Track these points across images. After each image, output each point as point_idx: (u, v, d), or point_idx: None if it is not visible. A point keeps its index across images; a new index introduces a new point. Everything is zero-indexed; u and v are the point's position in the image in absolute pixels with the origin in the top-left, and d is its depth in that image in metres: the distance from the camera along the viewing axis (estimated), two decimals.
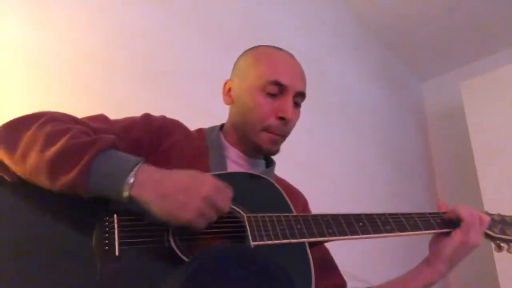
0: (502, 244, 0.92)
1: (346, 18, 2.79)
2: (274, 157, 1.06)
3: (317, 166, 2.15)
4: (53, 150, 0.65)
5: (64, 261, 0.61)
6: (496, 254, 2.28)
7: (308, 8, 2.47)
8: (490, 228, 0.91)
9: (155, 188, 0.66)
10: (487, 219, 0.89)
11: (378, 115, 2.86)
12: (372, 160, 2.62)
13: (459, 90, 2.80)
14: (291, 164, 1.98)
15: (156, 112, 1.47)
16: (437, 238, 0.89)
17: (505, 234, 0.92)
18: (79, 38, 1.35)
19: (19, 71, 1.19)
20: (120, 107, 1.39)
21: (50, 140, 0.67)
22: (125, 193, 0.64)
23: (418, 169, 3.11)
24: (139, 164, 0.67)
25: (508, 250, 0.92)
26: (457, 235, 0.85)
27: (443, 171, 3.17)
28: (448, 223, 0.89)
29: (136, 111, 1.41)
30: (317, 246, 0.94)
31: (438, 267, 0.86)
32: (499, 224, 0.94)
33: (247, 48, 1.05)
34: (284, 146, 1.96)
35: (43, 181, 0.66)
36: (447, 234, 0.87)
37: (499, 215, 0.97)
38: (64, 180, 0.64)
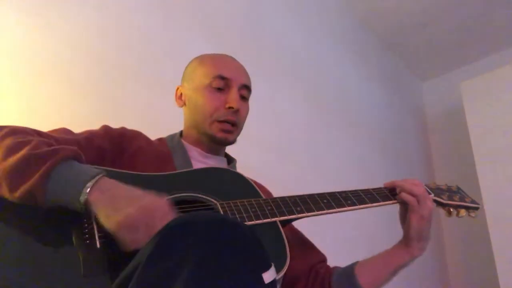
0: (451, 210, 1.00)
1: (347, 18, 2.79)
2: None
3: (317, 165, 2.15)
4: (13, 159, 0.65)
5: (46, 259, 0.62)
6: (497, 254, 2.29)
7: (308, 8, 2.47)
8: (439, 196, 0.99)
9: (108, 192, 0.65)
10: (429, 197, 0.95)
11: (378, 115, 2.86)
12: (372, 160, 2.62)
13: (459, 90, 2.81)
14: (290, 163, 1.98)
15: (154, 112, 1.47)
16: (403, 221, 0.96)
17: (453, 200, 1.01)
18: (79, 39, 1.35)
19: (18, 72, 1.19)
20: (120, 107, 1.39)
21: (10, 151, 0.67)
22: (82, 198, 0.63)
23: (418, 169, 3.11)
24: (100, 175, 0.66)
25: (457, 215, 1.00)
26: (412, 217, 0.91)
27: (443, 171, 3.18)
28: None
29: (136, 112, 1.41)
30: (289, 229, 1.00)
31: (416, 246, 0.92)
32: (446, 192, 1.03)
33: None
34: (284, 145, 1.96)
35: (4, 191, 0.65)
36: (406, 217, 0.93)
37: (446, 185, 1.07)
38: (23, 188, 0.63)
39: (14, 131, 0.73)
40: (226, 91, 0.98)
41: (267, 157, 1.82)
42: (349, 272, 0.94)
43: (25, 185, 0.63)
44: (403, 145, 3.03)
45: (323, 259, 1.03)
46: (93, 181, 0.65)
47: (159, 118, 1.42)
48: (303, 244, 1.04)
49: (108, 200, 0.64)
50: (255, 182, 1.03)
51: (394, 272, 0.93)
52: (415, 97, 3.43)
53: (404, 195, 0.93)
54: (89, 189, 0.64)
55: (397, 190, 0.95)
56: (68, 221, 0.67)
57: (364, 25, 2.91)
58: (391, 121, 2.98)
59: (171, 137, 1.06)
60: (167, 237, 0.52)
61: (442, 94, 3.36)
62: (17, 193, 0.64)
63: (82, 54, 1.35)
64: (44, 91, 1.23)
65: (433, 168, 3.25)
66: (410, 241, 0.92)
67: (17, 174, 0.64)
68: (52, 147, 0.68)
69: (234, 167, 1.07)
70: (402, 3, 2.72)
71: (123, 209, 0.62)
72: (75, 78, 1.31)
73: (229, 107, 0.96)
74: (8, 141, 0.69)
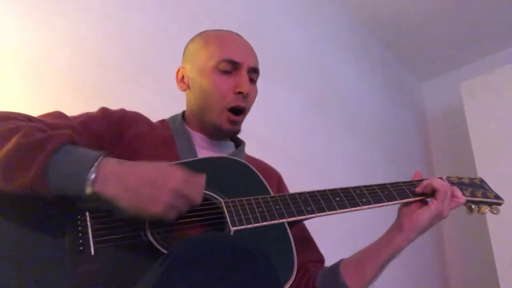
0: (473, 206, 0.93)
1: (346, 18, 2.78)
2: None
3: (317, 165, 2.15)
4: (5, 150, 0.61)
5: (38, 266, 0.59)
6: (497, 255, 2.29)
7: (308, 8, 2.47)
8: (461, 191, 0.92)
9: (119, 182, 0.62)
10: (462, 199, 0.90)
11: (378, 115, 2.86)
12: (372, 160, 2.62)
13: (459, 90, 2.80)
14: (290, 163, 1.98)
15: (156, 112, 1.47)
16: (411, 205, 0.88)
17: (475, 196, 0.93)
18: (78, 38, 1.35)
19: (18, 71, 1.19)
20: (120, 107, 1.39)
21: (0, 140, 0.63)
22: (88, 190, 0.61)
23: (418, 169, 3.08)
24: (100, 158, 0.63)
25: (478, 211, 0.94)
26: (434, 204, 0.85)
27: (443, 171, 3.17)
28: (421, 192, 0.90)
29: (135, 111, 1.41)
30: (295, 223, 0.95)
31: (409, 234, 0.85)
32: (469, 188, 0.96)
33: None
34: (284, 145, 1.96)
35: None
36: (421, 202, 0.88)
37: (468, 178, 1.00)
38: (21, 182, 0.60)
39: (4, 117, 0.69)
40: (234, 74, 0.92)
41: (266, 157, 1.81)
42: (333, 270, 0.89)
43: (22, 179, 0.60)
44: (403, 145, 3.03)
45: (319, 259, 0.99)
46: (94, 168, 0.61)
47: (159, 118, 1.42)
48: (303, 241, 0.99)
49: (129, 192, 0.62)
50: (264, 168, 0.99)
51: (382, 265, 0.86)
52: (415, 97, 3.43)
53: (440, 181, 0.87)
54: (93, 176, 0.61)
55: (427, 181, 0.89)
56: (63, 222, 0.64)
57: (364, 25, 2.91)
58: (391, 121, 2.98)
59: (174, 118, 1.01)
60: (174, 267, 0.50)
61: (442, 94, 3.36)
62: (14, 188, 0.61)
63: (83, 54, 1.35)
64: (44, 91, 1.23)
65: (433, 168, 3.25)
66: (410, 229, 0.85)
67: (10, 167, 0.61)
68: (45, 135, 0.64)
69: (243, 150, 1.02)
70: (402, 4, 2.71)
71: (154, 199, 0.63)
72: (75, 78, 1.31)
73: (239, 92, 0.90)
74: None
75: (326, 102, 2.39)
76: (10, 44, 1.19)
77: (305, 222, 1.02)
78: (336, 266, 0.89)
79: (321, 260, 0.99)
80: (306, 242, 1.00)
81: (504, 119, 2.52)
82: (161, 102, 1.49)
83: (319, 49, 2.47)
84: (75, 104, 1.28)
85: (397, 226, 0.88)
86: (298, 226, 0.99)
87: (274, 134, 1.94)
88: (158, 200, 0.63)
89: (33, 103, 1.19)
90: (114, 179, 0.62)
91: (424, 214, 0.85)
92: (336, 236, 1.98)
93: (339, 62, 2.62)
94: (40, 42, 1.26)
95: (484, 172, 2.47)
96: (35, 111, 1.17)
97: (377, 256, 0.86)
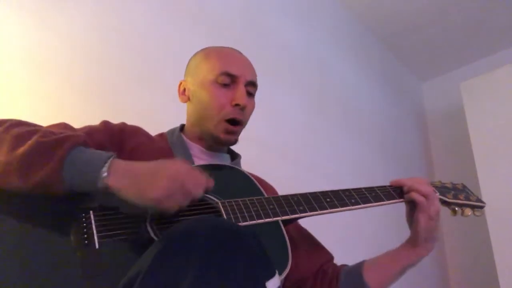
0: (456, 208, 1.00)
1: (346, 18, 2.79)
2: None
3: (317, 165, 2.15)
4: (24, 147, 0.65)
5: (44, 259, 0.61)
6: (497, 255, 2.29)
7: (308, 8, 2.47)
8: (444, 195, 0.99)
9: (126, 174, 0.67)
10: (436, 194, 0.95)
11: (378, 115, 2.86)
12: (372, 160, 2.62)
13: (459, 90, 2.81)
14: (290, 163, 1.98)
15: (155, 112, 1.47)
16: (410, 221, 0.95)
17: (458, 199, 1.00)
18: (79, 38, 1.36)
19: (19, 71, 1.19)
20: (120, 107, 1.39)
21: (19, 141, 0.67)
22: (100, 183, 0.65)
23: (418, 169, 3.11)
24: (113, 157, 0.69)
25: (462, 214, 1.00)
26: (420, 217, 0.91)
27: (443, 171, 3.17)
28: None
29: (136, 112, 1.41)
30: (296, 228, 1.00)
31: (423, 246, 0.92)
32: (452, 191, 1.02)
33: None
34: (284, 145, 1.96)
35: (14, 181, 0.64)
36: (413, 216, 0.93)
37: (451, 183, 1.07)
38: (38, 176, 0.63)
39: (19, 123, 0.74)
40: (232, 88, 0.96)
41: (267, 157, 1.82)
42: (357, 273, 0.93)
43: (40, 173, 0.63)
44: (403, 145, 3.03)
45: (330, 258, 1.02)
46: (107, 165, 0.66)
47: (160, 118, 1.42)
48: (309, 243, 1.02)
49: (132, 181, 0.66)
50: (258, 179, 1.02)
51: (402, 272, 0.93)
52: (415, 97, 3.43)
53: (414, 195, 0.91)
54: (105, 174, 0.65)
55: (405, 189, 0.94)
56: (67, 220, 0.66)
57: (364, 26, 2.91)
58: (391, 121, 2.98)
59: (172, 132, 1.04)
60: (169, 246, 0.52)
61: (442, 94, 3.36)
62: (31, 182, 0.63)
63: (82, 54, 1.35)
64: (44, 91, 1.23)
65: (433, 168, 3.25)
66: (418, 241, 0.91)
67: (29, 163, 0.64)
68: (63, 135, 0.69)
69: (239, 163, 1.05)
70: (402, 4, 2.71)
71: (153, 184, 0.66)
72: (75, 78, 1.31)
73: (236, 104, 0.94)
74: (15, 132, 0.69)
75: (326, 102, 2.39)
76: (10, 44, 1.19)
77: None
78: (358, 269, 0.94)
79: (331, 258, 1.03)
80: (313, 244, 1.04)
81: (504, 119, 2.53)
82: (162, 102, 1.49)
83: (319, 49, 2.47)
84: (76, 104, 1.28)
85: (410, 241, 0.94)
86: (301, 231, 1.04)
87: (274, 135, 1.95)
88: (155, 185, 0.66)
89: (34, 103, 1.19)
90: (122, 172, 0.67)
91: (418, 227, 0.91)
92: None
93: (339, 62, 2.62)
94: (40, 42, 1.26)
95: (484, 172, 2.48)
96: (36, 112, 1.18)
97: (396, 263, 0.93)
